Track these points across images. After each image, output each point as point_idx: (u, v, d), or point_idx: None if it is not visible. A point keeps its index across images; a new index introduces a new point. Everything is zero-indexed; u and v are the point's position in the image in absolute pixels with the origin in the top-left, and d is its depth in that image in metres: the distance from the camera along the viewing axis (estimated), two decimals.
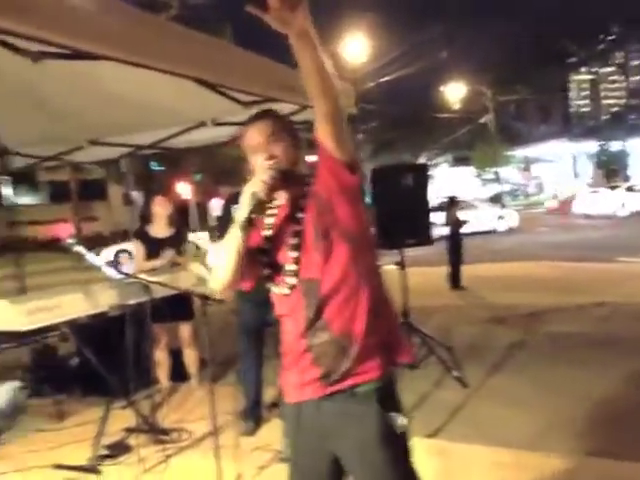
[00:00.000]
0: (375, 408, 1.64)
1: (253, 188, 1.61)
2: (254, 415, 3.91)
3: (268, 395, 4.08)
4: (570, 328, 6.14)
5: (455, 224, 9.53)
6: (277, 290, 1.72)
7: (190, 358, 4.78)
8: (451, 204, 9.84)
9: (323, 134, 1.56)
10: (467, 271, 9.49)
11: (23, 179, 17.54)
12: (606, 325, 6.18)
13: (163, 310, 4.12)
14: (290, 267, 1.67)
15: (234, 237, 1.62)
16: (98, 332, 3.98)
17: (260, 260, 1.73)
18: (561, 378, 4.57)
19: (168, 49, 2.58)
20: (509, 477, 3.08)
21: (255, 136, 1.72)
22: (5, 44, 2.25)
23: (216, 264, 1.69)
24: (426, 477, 2.98)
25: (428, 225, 5.24)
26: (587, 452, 3.28)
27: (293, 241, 1.67)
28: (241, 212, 1.62)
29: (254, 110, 3.82)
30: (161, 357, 4.73)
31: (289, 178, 1.68)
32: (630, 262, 10.83)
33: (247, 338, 3.92)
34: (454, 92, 33.01)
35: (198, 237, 4.95)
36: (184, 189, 28.47)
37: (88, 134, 4.80)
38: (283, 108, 4.02)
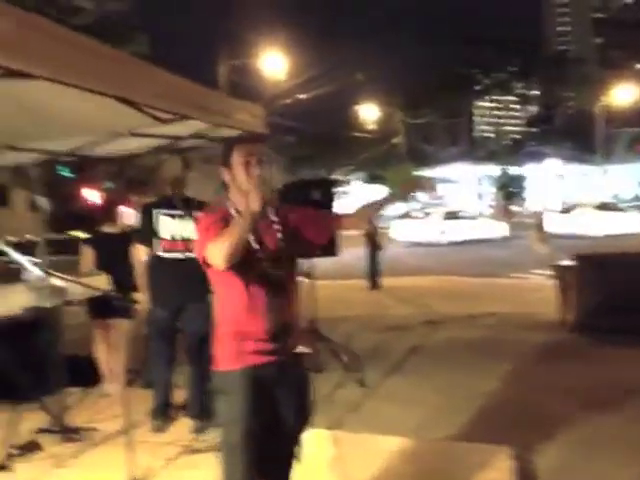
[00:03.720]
0: None
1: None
2: (164, 415, 4.10)
3: (178, 397, 4.25)
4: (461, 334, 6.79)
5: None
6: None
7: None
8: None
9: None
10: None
11: None
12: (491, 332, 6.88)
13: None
14: None
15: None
16: (10, 334, 4.04)
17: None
18: (446, 379, 5.14)
19: (84, 66, 2.49)
20: (394, 459, 3.48)
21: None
22: None
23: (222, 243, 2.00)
24: (322, 463, 3.36)
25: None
26: (455, 438, 3.80)
27: None
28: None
29: (171, 125, 3.89)
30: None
31: None
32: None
33: (158, 342, 4.12)
34: (368, 112, 34.19)
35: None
36: (91, 195, 27.83)
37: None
38: (198, 125, 4.22)
